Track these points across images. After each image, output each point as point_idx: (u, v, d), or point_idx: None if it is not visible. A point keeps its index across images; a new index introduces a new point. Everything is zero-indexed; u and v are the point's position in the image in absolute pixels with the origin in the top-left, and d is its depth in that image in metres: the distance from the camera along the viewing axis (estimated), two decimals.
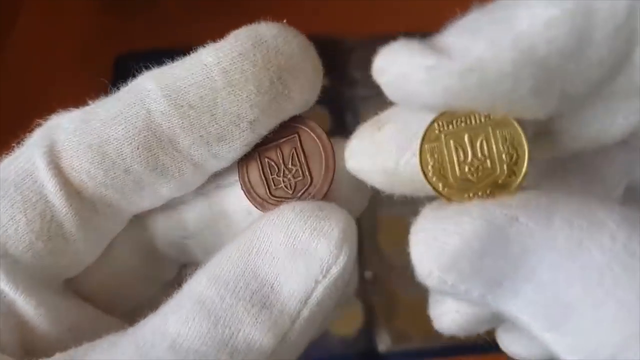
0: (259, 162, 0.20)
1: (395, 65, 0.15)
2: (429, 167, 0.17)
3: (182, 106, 0.18)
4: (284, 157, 0.20)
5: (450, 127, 0.16)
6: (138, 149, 0.18)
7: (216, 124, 0.18)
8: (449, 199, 0.17)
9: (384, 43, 0.16)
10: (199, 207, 0.21)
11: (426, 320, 0.19)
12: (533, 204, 0.15)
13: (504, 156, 0.16)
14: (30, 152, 0.19)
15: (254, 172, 0.20)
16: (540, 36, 0.14)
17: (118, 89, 0.19)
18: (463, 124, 0.16)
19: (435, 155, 0.17)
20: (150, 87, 0.18)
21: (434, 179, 0.17)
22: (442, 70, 0.14)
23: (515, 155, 0.16)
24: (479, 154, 0.16)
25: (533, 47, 0.14)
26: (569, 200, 0.15)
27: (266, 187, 0.20)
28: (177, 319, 0.17)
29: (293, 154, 0.20)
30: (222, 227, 0.21)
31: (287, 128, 0.20)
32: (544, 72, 0.14)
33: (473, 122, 0.16)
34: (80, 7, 0.57)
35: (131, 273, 0.22)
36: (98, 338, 0.18)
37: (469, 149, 0.16)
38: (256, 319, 0.17)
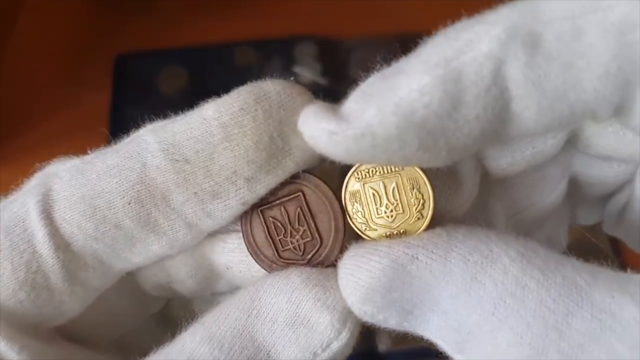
0: (263, 222, 0.19)
1: (305, 128, 0.16)
2: (353, 211, 0.19)
3: (177, 161, 0.17)
4: (289, 217, 0.19)
5: (368, 175, 0.18)
6: (130, 203, 0.18)
7: (212, 180, 0.17)
8: (371, 239, 0.19)
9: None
10: (181, 256, 0.20)
11: None
12: (432, 242, 0.17)
13: (412, 201, 0.18)
14: (25, 198, 0.18)
15: (259, 232, 0.19)
16: (417, 101, 0.15)
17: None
18: (378, 173, 0.18)
19: (358, 201, 0.19)
20: (149, 140, 0.18)
21: (358, 221, 0.19)
22: (340, 135, 0.15)
23: (422, 200, 0.18)
24: (392, 199, 0.18)
25: (412, 111, 0.15)
26: (468, 237, 0.17)
27: (274, 248, 0.19)
28: None
29: (299, 213, 0.19)
30: (207, 275, 0.21)
31: (290, 185, 0.19)
32: (426, 132, 0.15)
33: (386, 170, 0.18)
34: (80, 7, 0.57)
35: (118, 310, 0.22)
36: None
37: (384, 195, 0.18)
38: None
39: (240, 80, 0.19)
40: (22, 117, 0.49)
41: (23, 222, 0.18)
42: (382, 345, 0.44)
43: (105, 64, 0.52)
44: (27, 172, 0.20)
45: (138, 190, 0.18)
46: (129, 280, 0.21)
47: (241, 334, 0.17)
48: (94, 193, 0.18)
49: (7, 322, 0.18)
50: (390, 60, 0.17)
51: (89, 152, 0.19)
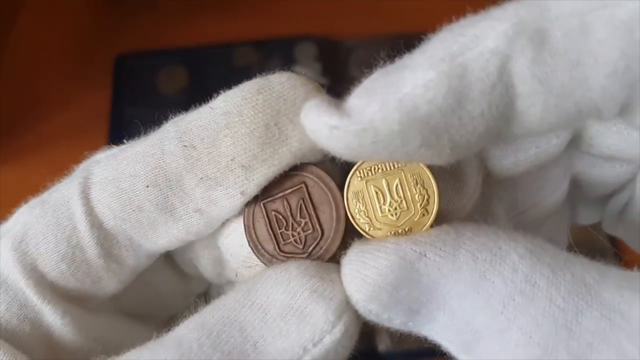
0: (265, 215, 0.19)
1: (307, 121, 0.16)
2: (356, 211, 0.18)
3: (186, 146, 0.18)
4: (291, 209, 0.19)
5: (370, 173, 0.18)
6: (148, 186, 0.19)
7: (214, 166, 0.18)
8: (375, 238, 0.18)
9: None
10: None
11: None
12: (441, 239, 0.16)
13: (417, 197, 0.18)
14: (72, 180, 0.20)
15: (261, 226, 0.19)
16: (421, 97, 0.15)
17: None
18: (380, 170, 0.18)
19: (360, 200, 0.18)
20: (169, 129, 0.19)
21: (361, 221, 0.18)
22: (342, 129, 0.15)
23: (426, 196, 0.18)
24: (396, 197, 0.18)
25: (416, 107, 0.15)
26: (477, 234, 0.16)
27: (275, 242, 0.19)
28: (149, 356, 0.17)
29: (301, 205, 0.19)
30: (217, 257, 0.21)
31: (293, 177, 0.19)
32: (429, 128, 0.15)
33: (389, 168, 0.18)
34: (81, 7, 0.57)
35: (163, 286, 0.23)
36: (123, 349, 0.18)
37: (387, 192, 0.18)
38: None
39: (240, 80, 0.19)
40: (22, 117, 0.49)
41: (68, 202, 0.20)
42: (382, 345, 0.44)
43: (105, 63, 0.52)
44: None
45: (156, 175, 0.19)
46: (169, 259, 0.22)
47: (231, 323, 0.17)
48: (121, 176, 0.19)
49: (51, 289, 0.19)
50: (391, 60, 0.17)
51: (86, 153, 0.21)
